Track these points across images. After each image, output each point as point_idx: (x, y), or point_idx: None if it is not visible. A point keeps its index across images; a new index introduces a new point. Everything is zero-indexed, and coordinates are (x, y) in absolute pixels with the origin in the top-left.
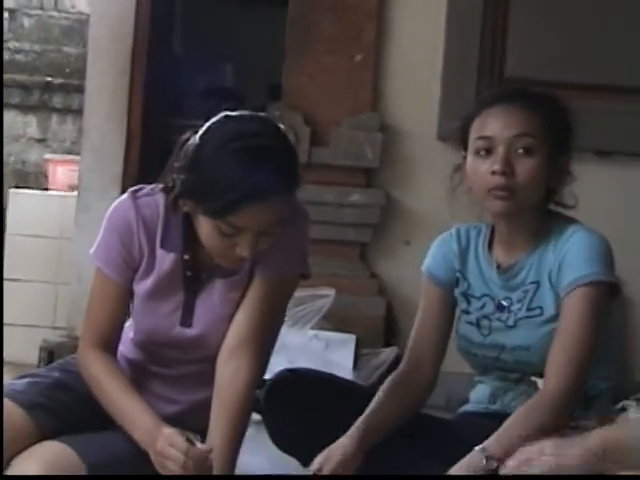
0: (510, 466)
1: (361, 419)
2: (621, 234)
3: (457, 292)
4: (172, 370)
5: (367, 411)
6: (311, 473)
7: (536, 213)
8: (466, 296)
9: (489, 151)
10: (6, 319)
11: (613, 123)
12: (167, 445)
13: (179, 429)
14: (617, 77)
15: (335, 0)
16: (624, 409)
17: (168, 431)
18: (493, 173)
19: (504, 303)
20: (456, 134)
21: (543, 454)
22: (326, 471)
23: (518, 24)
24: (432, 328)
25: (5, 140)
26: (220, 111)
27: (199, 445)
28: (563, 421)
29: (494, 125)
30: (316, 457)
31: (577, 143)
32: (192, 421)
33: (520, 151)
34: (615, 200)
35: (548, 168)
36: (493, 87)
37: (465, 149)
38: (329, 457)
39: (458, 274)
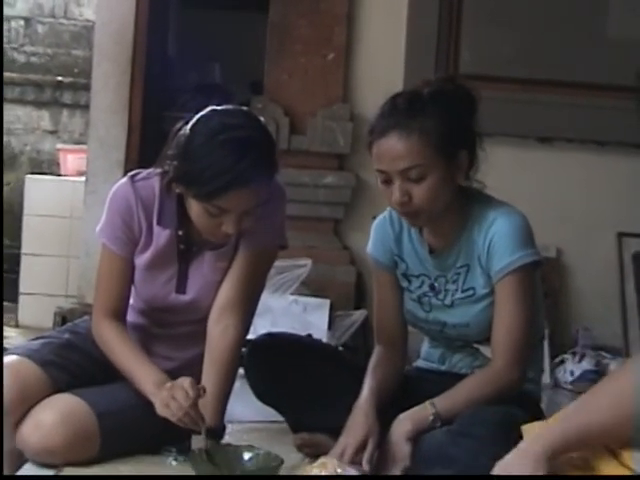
0: None
1: (368, 397)
2: (559, 210)
3: (398, 273)
4: (169, 331)
5: (368, 389)
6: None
7: (452, 206)
8: (406, 276)
9: (387, 181)
10: (24, 289)
11: (554, 113)
12: (176, 386)
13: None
14: (557, 73)
15: (310, 6)
16: (562, 361)
17: (180, 379)
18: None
19: (436, 285)
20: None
21: None
22: (356, 440)
23: (471, 26)
24: (391, 308)
25: (21, 132)
26: (209, 105)
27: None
28: (509, 394)
29: (385, 160)
30: (341, 440)
31: (522, 131)
32: (186, 375)
33: (414, 177)
34: (554, 180)
35: (447, 176)
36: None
37: None
38: (354, 429)
39: (396, 257)
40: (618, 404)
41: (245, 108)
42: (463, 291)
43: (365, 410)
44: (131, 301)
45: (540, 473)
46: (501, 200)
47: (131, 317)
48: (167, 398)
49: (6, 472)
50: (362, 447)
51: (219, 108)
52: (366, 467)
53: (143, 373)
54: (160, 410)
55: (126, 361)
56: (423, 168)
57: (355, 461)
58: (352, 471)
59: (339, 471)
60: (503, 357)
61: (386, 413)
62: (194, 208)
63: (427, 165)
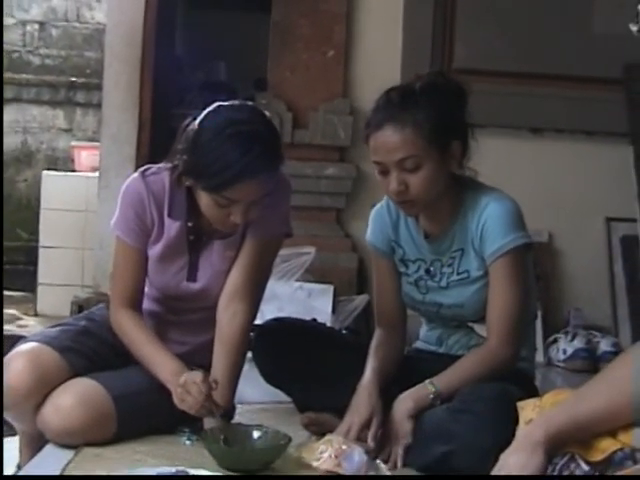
0: None
1: (371, 377)
2: (551, 196)
3: (396, 258)
4: (182, 318)
5: (371, 370)
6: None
7: (446, 194)
8: (403, 261)
9: (384, 172)
10: (42, 280)
11: (544, 105)
12: (190, 381)
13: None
14: (547, 66)
15: (311, 6)
16: (555, 341)
17: (191, 372)
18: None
19: (432, 269)
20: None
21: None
22: (360, 418)
23: (464, 24)
24: (390, 292)
25: (37, 130)
26: (215, 102)
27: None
28: (504, 371)
29: (381, 152)
30: (346, 419)
31: (515, 122)
32: (198, 358)
33: (409, 167)
34: (546, 168)
35: (441, 166)
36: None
37: None
38: (359, 408)
39: (393, 243)
40: (619, 392)
41: (251, 103)
42: (458, 274)
43: (369, 390)
44: (146, 290)
45: (538, 459)
46: (493, 187)
47: (147, 305)
48: (182, 394)
49: (28, 453)
50: (367, 425)
51: (226, 104)
52: (371, 444)
53: (160, 362)
54: (177, 404)
55: (144, 350)
56: (417, 158)
57: (360, 438)
58: (357, 448)
59: (344, 447)
60: (497, 335)
61: (388, 392)
62: (204, 200)
63: (421, 156)
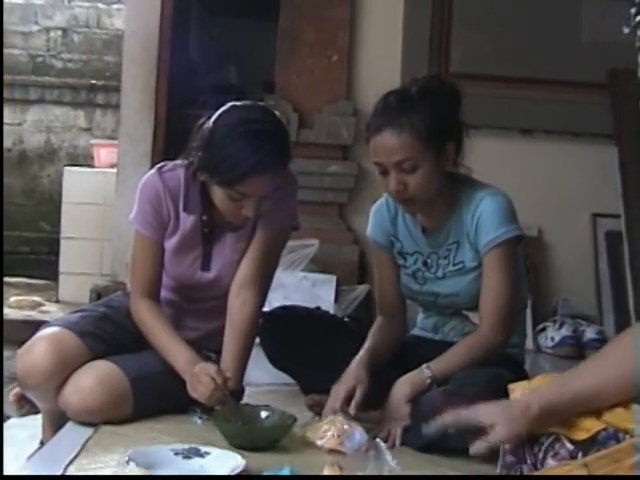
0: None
1: (362, 354)
2: (540, 193)
3: (394, 251)
4: (195, 306)
5: (364, 349)
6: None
7: (441, 191)
8: (402, 254)
9: (384, 172)
10: (64, 269)
11: (534, 107)
12: (202, 372)
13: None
14: (537, 71)
15: (316, 13)
16: (544, 329)
17: (204, 363)
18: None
19: (429, 261)
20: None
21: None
22: (345, 387)
23: (460, 30)
24: (390, 284)
25: (59, 130)
26: (226, 103)
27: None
28: (495, 356)
29: (381, 154)
30: (334, 385)
31: (506, 123)
32: (210, 343)
33: (407, 168)
34: (535, 167)
35: (437, 166)
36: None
37: None
38: (345, 379)
39: (392, 238)
40: (613, 372)
41: (262, 103)
42: (454, 265)
43: (356, 364)
44: (163, 279)
45: (522, 427)
46: (486, 183)
47: (164, 294)
48: (195, 383)
49: (50, 430)
50: (351, 394)
51: (239, 104)
52: (352, 412)
53: (176, 351)
54: (190, 392)
55: (161, 339)
56: (415, 160)
57: (362, 418)
58: (358, 428)
59: (346, 427)
60: (489, 321)
61: (386, 375)
62: (217, 194)
63: (418, 157)
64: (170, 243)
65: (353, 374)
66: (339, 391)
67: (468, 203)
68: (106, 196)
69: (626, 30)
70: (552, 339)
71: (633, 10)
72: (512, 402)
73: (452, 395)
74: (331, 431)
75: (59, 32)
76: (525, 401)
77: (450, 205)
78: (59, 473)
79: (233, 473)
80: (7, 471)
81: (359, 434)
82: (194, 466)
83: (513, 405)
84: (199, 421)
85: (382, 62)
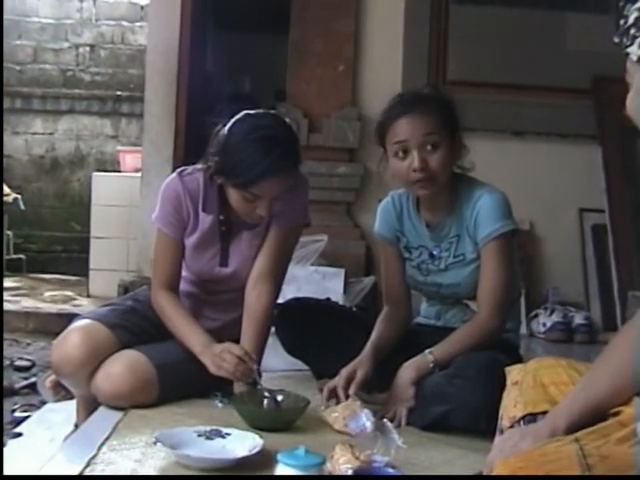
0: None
1: (369, 345)
2: (531, 190)
3: (400, 246)
4: (214, 298)
5: (372, 339)
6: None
7: (448, 183)
8: (407, 248)
9: (405, 152)
10: (94, 266)
11: (525, 111)
12: (225, 350)
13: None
14: (528, 78)
15: (323, 27)
16: (536, 315)
17: (224, 343)
18: (414, 170)
19: (434, 253)
20: (374, 136)
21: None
22: (347, 370)
23: (456, 41)
24: (396, 275)
25: (88, 137)
26: (241, 111)
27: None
28: (493, 340)
29: (406, 131)
30: (340, 372)
31: (500, 126)
32: (228, 333)
33: (429, 147)
34: (526, 166)
35: (452, 151)
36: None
37: (383, 148)
38: (352, 366)
39: (398, 233)
40: (618, 373)
41: (273, 112)
42: (455, 257)
43: (364, 351)
44: (184, 274)
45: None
46: (484, 181)
47: (184, 287)
48: (219, 362)
49: (83, 414)
50: (352, 375)
51: (251, 112)
52: (351, 392)
53: (192, 336)
54: (214, 371)
55: (178, 326)
56: (438, 137)
57: (374, 401)
58: (365, 411)
59: (354, 410)
60: (486, 308)
61: (392, 360)
62: (233, 195)
63: (441, 135)
64: (190, 240)
65: (356, 361)
66: (342, 373)
67: (468, 200)
68: (131, 198)
69: (616, 40)
70: (544, 325)
71: (622, 21)
72: (539, 426)
73: (453, 377)
74: (341, 414)
75: (87, 48)
76: (550, 426)
77: (451, 201)
78: (93, 454)
79: (252, 452)
80: (35, 456)
81: (365, 416)
82: (216, 446)
83: (540, 429)
84: (220, 405)
85: (384, 71)
